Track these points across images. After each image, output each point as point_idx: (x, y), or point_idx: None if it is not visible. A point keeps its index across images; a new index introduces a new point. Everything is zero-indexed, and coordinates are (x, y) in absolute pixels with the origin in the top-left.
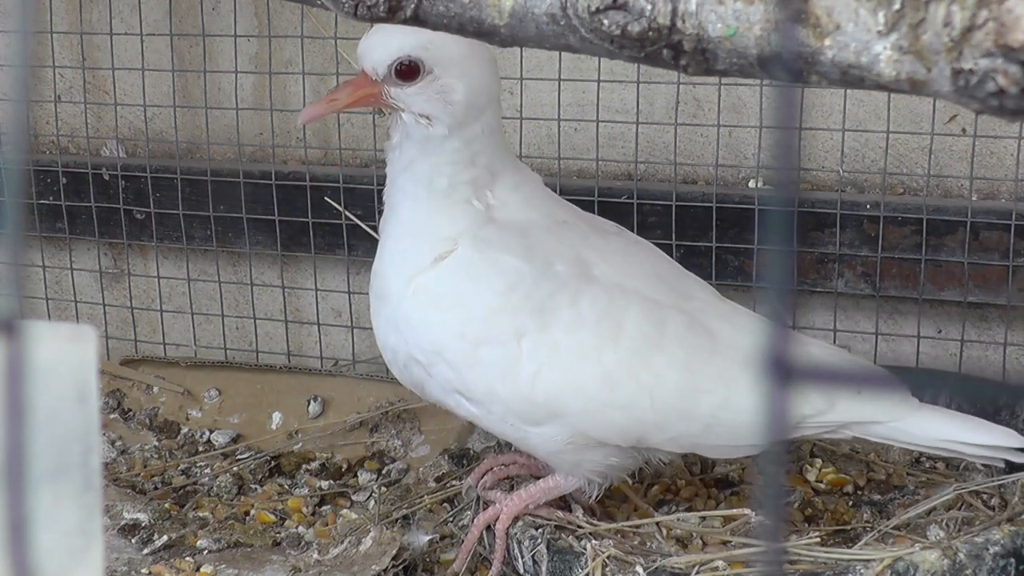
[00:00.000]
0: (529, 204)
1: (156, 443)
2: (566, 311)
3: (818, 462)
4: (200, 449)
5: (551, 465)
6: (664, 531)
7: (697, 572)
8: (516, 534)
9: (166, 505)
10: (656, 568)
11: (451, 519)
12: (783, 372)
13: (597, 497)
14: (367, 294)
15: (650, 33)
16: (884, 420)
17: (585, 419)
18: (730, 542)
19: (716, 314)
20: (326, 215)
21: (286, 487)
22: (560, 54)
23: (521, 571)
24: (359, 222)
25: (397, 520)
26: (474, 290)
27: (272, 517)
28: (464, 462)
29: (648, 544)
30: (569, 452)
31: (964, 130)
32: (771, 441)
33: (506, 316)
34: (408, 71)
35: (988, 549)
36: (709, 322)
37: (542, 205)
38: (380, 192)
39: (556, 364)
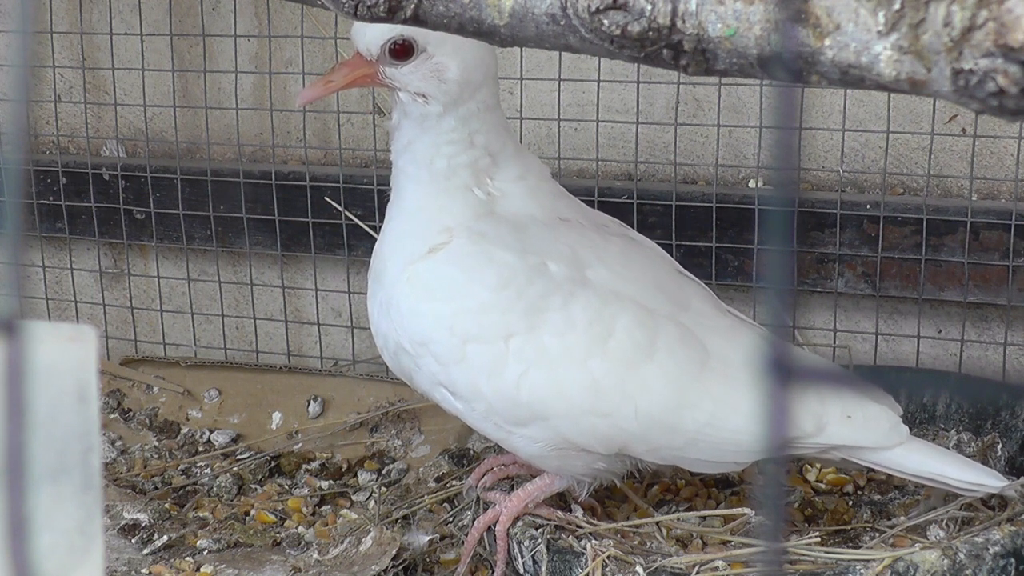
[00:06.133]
0: (531, 197)
1: (156, 443)
2: (557, 313)
3: (818, 462)
4: (200, 449)
5: (536, 467)
6: (664, 531)
7: (697, 572)
8: (516, 534)
9: (166, 505)
10: (656, 568)
11: (451, 519)
12: (782, 378)
13: (587, 495)
14: (367, 294)
15: (650, 33)
16: (872, 447)
17: (567, 424)
18: (730, 542)
19: (712, 327)
20: (326, 215)
21: (286, 487)
22: (560, 54)
23: (521, 571)
24: (359, 222)
25: (397, 520)
26: (466, 284)
27: (272, 517)
28: (464, 462)
29: (648, 544)
30: (552, 457)
31: (964, 130)
32: (769, 448)
33: (496, 314)
34: (402, 50)
35: (988, 549)
36: (703, 335)
37: (545, 199)
38: (380, 192)
39: (542, 367)
